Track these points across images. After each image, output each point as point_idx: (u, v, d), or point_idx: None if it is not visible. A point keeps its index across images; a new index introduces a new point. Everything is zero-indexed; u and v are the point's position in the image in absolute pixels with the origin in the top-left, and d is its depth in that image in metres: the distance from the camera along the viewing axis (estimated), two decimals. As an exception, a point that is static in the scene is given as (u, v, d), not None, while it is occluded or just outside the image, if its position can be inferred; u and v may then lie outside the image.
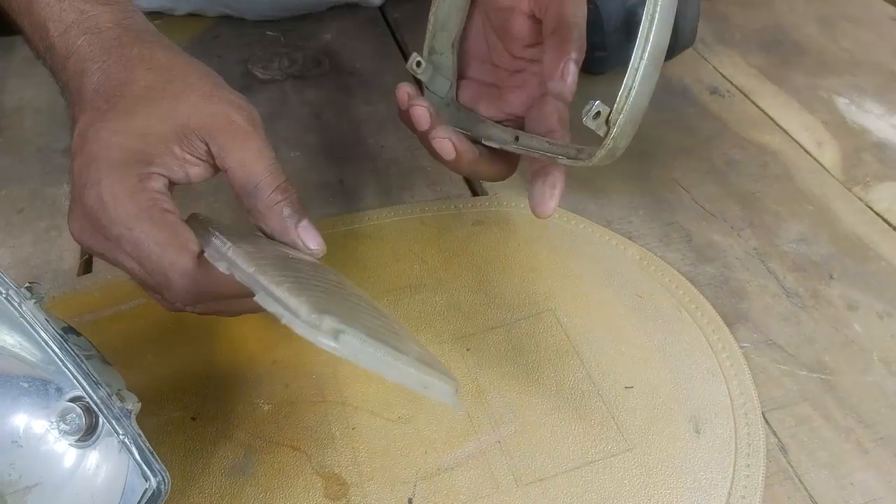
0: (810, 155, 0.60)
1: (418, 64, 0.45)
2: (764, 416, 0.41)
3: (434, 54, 0.45)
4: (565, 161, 0.37)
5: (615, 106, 0.33)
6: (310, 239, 0.36)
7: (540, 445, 0.39)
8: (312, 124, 0.61)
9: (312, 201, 0.53)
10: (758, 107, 0.65)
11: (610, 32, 0.62)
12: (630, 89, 0.32)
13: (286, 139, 0.59)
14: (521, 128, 0.43)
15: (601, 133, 0.33)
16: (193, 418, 0.40)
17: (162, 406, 0.40)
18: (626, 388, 0.41)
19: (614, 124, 0.33)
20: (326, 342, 0.25)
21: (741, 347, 0.44)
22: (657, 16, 0.31)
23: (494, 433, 0.39)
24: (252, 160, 0.35)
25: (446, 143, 0.40)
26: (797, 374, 0.43)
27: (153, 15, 0.72)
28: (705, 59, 0.71)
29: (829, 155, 0.60)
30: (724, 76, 0.69)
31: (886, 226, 0.53)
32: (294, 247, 0.36)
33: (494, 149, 0.42)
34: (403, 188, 0.55)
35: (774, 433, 0.40)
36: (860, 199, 0.55)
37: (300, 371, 0.41)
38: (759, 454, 0.39)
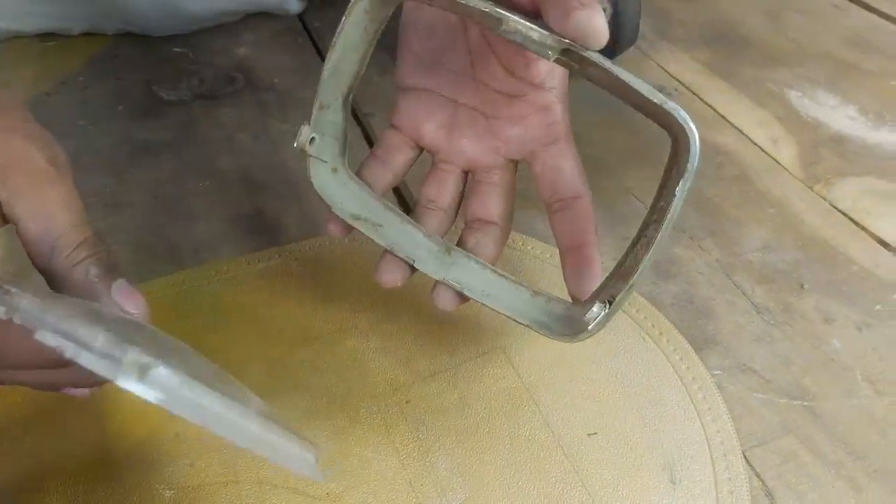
0: (766, 153, 0.56)
1: (311, 141, 0.36)
2: (745, 455, 0.36)
3: (323, 109, 0.36)
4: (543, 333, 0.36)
5: (617, 300, 0.34)
6: (127, 301, 0.29)
7: (495, 514, 0.33)
8: (225, 149, 0.54)
9: (225, 238, 0.47)
10: (707, 104, 0.61)
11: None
12: (631, 286, 0.33)
13: (194, 168, 0.52)
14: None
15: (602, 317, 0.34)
16: (81, 513, 0.33)
17: (43, 499, 0.33)
18: (590, 434, 0.36)
19: (616, 308, 0.34)
20: (128, 381, 0.19)
21: (713, 376, 0.39)
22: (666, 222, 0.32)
23: (440, 502, 0.34)
24: (51, 209, 0.28)
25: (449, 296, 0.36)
26: (776, 402, 0.38)
27: (46, 36, 0.65)
28: (648, 57, 0.67)
29: (786, 152, 0.56)
30: (669, 74, 0.65)
31: (853, 225, 0.49)
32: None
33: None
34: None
35: (758, 475, 0.35)
36: (823, 197, 0.52)
37: (208, 446, 0.35)
38: (744, 502, 0.34)
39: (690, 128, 0.30)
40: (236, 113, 0.58)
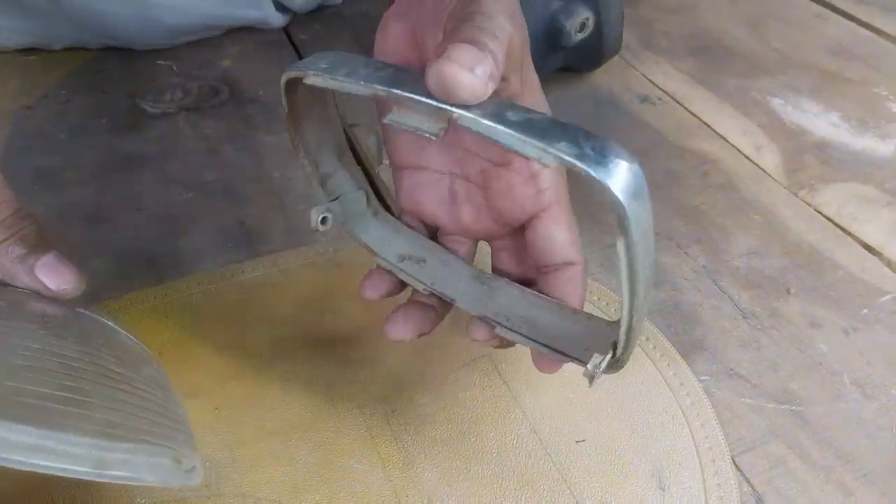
0: (751, 161, 0.56)
1: (324, 220, 0.34)
2: (734, 461, 0.36)
3: (328, 180, 0.35)
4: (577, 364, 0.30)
5: (622, 351, 0.28)
6: (49, 277, 0.28)
7: (482, 523, 0.33)
8: (209, 161, 0.54)
9: (208, 248, 0.46)
10: (692, 113, 0.61)
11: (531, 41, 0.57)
12: (630, 330, 0.27)
13: (178, 180, 0.52)
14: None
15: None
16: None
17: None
18: (578, 442, 0.36)
19: (624, 360, 0.29)
20: None
21: (700, 381, 0.39)
22: (637, 252, 0.24)
23: (428, 513, 0.33)
24: None
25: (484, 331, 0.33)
26: (764, 407, 0.38)
27: (28, 51, 0.65)
28: (633, 67, 0.67)
29: (770, 159, 0.56)
30: (653, 83, 0.65)
31: (839, 230, 0.49)
32: (37, 292, 0.29)
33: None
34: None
35: (747, 480, 0.35)
36: (808, 203, 0.52)
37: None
38: (734, 509, 0.33)
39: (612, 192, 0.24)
40: (221, 125, 0.58)
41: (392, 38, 0.33)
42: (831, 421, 0.37)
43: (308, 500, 0.33)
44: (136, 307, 0.42)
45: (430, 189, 0.35)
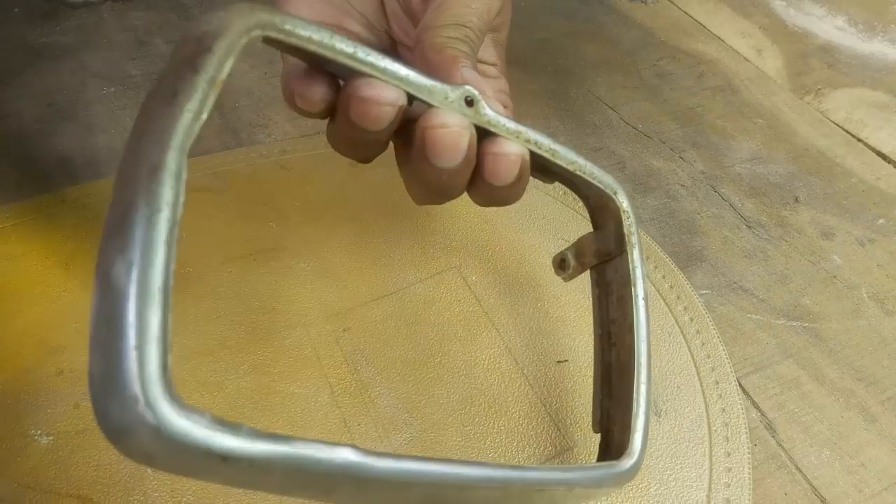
0: (751, 63, 0.50)
1: (563, 264, 0.28)
2: (740, 383, 0.31)
3: None
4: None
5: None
6: None
7: (448, 454, 0.28)
8: (135, 53, 0.47)
9: (131, 149, 0.40)
10: (685, 13, 0.55)
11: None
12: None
13: (98, 73, 0.45)
14: None
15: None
16: (-66, 467, 0.27)
17: None
18: (559, 362, 0.31)
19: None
20: None
21: (700, 295, 0.34)
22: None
23: (383, 444, 0.28)
24: None
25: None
26: (774, 324, 0.33)
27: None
28: (621, -35, 0.60)
29: (772, 62, 0.51)
30: (643, -19, 0.59)
31: (849, 136, 0.44)
32: None
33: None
34: (257, 125, 0.42)
35: (756, 405, 0.30)
36: (815, 108, 0.46)
37: (96, 382, 0.29)
38: (741, 437, 0.29)
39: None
40: (151, 15, 0.50)
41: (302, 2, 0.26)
42: (849, 339, 0.33)
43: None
44: (41, 213, 0.36)
45: None
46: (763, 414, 0.30)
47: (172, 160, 0.15)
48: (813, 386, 0.31)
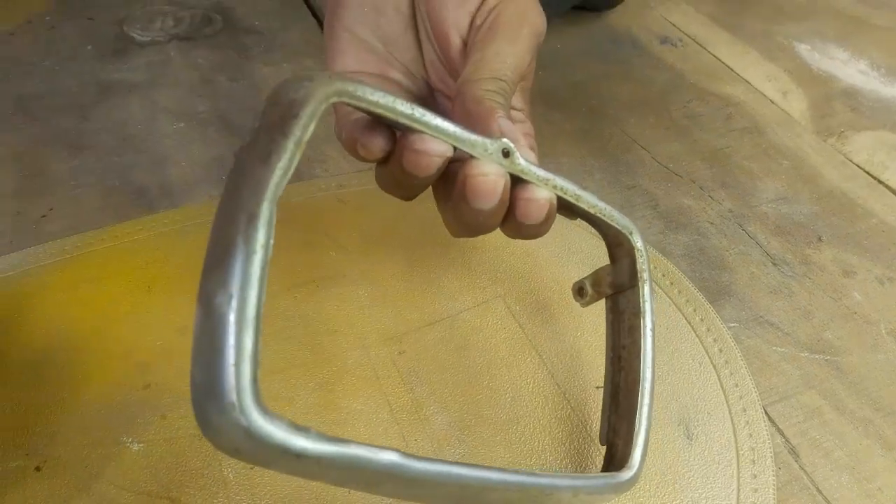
0: (777, 106, 0.53)
1: (581, 291, 0.31)
2: (766, 411, 0.33)
3: None
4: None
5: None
6: None
7: (497, 470, 0.30)
8: (201, 91, 0.50)
9: (200, 181, 0.43)
10: (714, 56, 0.58)
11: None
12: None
13: (167, 109, 0.48)
14: None
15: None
16: (38, 468, 0.30)
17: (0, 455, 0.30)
18: (598, 388, 0.33)
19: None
20: None
21: (729, 328, 0.37)
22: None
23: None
24: None
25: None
26: (798, 356, 0.36)
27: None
28: (651, 8, 0.64)
29: (797, 105, 0.53)
30: (673, 24, 0.62)
31: (871, 179, 0.47)
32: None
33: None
34: (315, 161, 0.45)
35: (780, 432, 0.33)
36: (838, 150, 0.49)
37: (183, 396, 0.32)
38: (766, 460, 0.31)
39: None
40: (215, 55, 0.54)
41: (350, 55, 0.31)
42: (868, 372, 0.35)
43: (308, 442, 0.31)
44: (123, 239, 0.39)
45: None
46: (787, 440, 0.32)
47: (266, 209, 0.18)
48: (834, 415, 0.33)
